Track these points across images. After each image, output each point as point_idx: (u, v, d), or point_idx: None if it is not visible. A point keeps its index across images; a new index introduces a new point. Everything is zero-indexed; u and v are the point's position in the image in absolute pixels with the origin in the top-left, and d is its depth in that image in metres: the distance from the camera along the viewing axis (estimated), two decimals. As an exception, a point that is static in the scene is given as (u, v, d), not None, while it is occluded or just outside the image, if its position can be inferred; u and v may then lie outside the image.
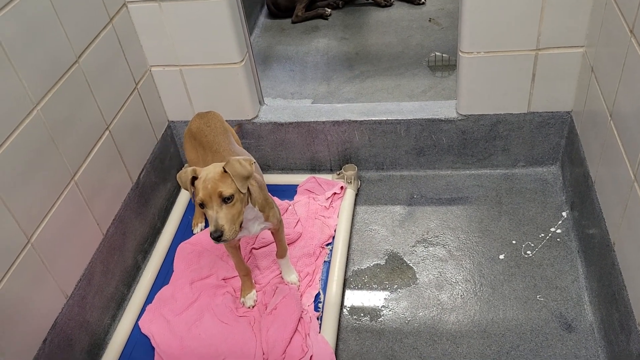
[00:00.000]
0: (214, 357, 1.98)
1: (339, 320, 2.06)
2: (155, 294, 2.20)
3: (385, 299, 2.12)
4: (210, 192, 1.58)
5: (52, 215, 1.80)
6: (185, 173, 1.65)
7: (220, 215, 1.59)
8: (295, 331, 2.01)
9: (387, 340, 1.99)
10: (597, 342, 1.88)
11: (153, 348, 2.03)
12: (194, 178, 1.64)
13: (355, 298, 2.14)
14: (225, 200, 1.59)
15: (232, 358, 1.97)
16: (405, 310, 2.07)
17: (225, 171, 1.61)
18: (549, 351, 1.87)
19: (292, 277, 2.16)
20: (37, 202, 1.74)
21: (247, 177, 1.63)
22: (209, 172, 1.61)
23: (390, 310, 2.08)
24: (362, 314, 2.09)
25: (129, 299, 2.21)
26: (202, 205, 1.61)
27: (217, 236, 1.57)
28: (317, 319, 2.04)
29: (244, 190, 1.62)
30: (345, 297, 2.15)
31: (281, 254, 2.10)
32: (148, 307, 2.15)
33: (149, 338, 2.06)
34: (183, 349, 2.00)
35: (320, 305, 2.09)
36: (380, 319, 2.06)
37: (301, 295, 2.11)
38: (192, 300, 2.15)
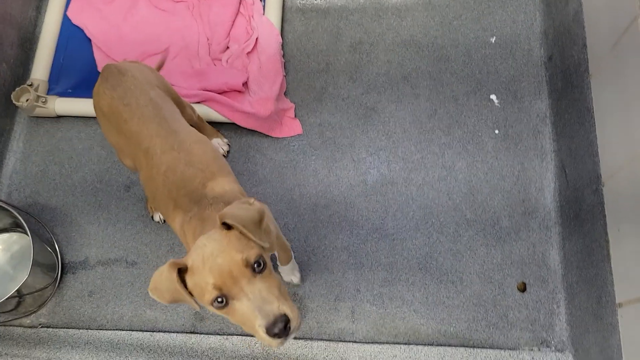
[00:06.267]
0: (157, 44, 1.92)
1: (283, 0, 1.98)
2: (79, -18, 2.00)
3: (329, -24, 2.03)
4: (230, 268, 0.97)
5: None
6: (161, 274, 1.01)
7: (265, 294, 0.99)
8: (237, 13, 1.94)
9: (333, 18, 1.97)
10: (536, 6, 1.93)
11: (89, 39, 1.94)
12: (181, 271, 1.01)
13: (298, -23, 2.04)
14: (255, 267, 0.99)
15: (176, 45, 1.92)
16: (350, -13, 2.01)
17: (229, 227, 1.02)
18: (489, 18, 1.92)
19: (292, 277, 1.65)
20: None
21: (261, 221, 1.06)
22: (207, 245, 1.00)
23: (334, -12, 2.01)
24: (305, -7, 2.01)
25: (50, -11, 2.01)
26: (221, 301, 0.98)
27: (283, 326, 0.96)
28: (260, 0, 1.96)
29: (265, 244, 1.03)
30: (287, -24, 2.04)
31: (285, 260, 1.56)
32: (74, -3, 1.99)
33: (82, 29, 1.95)
34: (122, 38, 1.92)
35: (261, -15, 1.98)
36: (324, -3, 2.00)
37: (241, -25, 1.98)
38: (121, -13, 1.98)
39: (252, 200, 1.09)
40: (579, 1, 1.62)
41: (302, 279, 1.67)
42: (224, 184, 1.21)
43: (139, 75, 1.33)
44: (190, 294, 1.01)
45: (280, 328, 0.95)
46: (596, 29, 1.52)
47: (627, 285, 1.33)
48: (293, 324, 0.98)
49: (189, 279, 1.00)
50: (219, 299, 0.97)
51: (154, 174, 1.23)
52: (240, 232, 1.02)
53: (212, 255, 0.98)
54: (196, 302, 1.02)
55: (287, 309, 0.98)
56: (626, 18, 1.35)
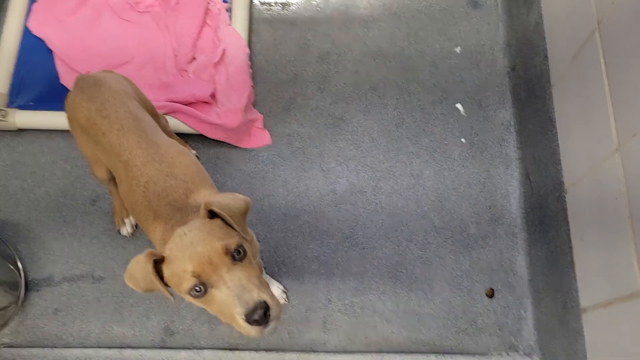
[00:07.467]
0: (122, 57, 1.89)
1: (250, 11, 1.98)
2: (40, -8, 1.96)
3: (295, -14, 2.04)
4: (210, 255, 0.96)
5: None
6: (137, 263, 1.00)
7: (244, 283, 0.97)
8: (203, 25, 1.93)
9: (300, 29, 1.97)
10: (499, 17, 1.97)
11: (50, 51, 1.89)
12: (157, 263, 0.99)
13: (264, -13, 2.04)
14: (235, 255, 0.98)
15: (142, 57, 1.90)
16: (317, -2, 2.02)
17: (212, 216, 1.03)
18: (453, 29, 1.96)
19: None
20: None
21: (246, 212, 1.08)
22: (187, 234, 0.99)
23: (301, -1, 2.02)
24: (273, 4, 2.01)
25: (10, -1, 1.97)
26: (199, 289, 0.96)
27: (263, 313, 0.95)
28: (227, 10, 1.95)
29: (248, 235, 1.05)
30: (254, -14, 2.04)
31: None
32: (34, 7, 1.94)
33: (43, 41, 1.90)
34: (85, 49, 1.89)
35: (228, -5, 1.98)
36: (292, 8, 2.00)
37: (207, -15, 1.97)
38: (84, -3, 1.95)
39: (236, 194, 1.09)
40: (540, 13, 1.66)
41: (285, 290, 1.66)
42: (206, 195, 1.18)
43: (116, 86, 1.29)
44: (167, 285, 0.99)
45: (260, 315, 0.94)
46: (557, 41, 1.57)
47: (590, 291, 1.36)
48: (273, 312, 0.96)
49: (166, 269, 0.99)
50: (197, 288, 0.96)
51: (134, 186, 1.20)
52: (224, 221, 1.02)
53: (192, 243, 0.97)
54: (172, 294, 1.00)
55: (267, 297, 0.97)
56: (585, 30, 1.39)
